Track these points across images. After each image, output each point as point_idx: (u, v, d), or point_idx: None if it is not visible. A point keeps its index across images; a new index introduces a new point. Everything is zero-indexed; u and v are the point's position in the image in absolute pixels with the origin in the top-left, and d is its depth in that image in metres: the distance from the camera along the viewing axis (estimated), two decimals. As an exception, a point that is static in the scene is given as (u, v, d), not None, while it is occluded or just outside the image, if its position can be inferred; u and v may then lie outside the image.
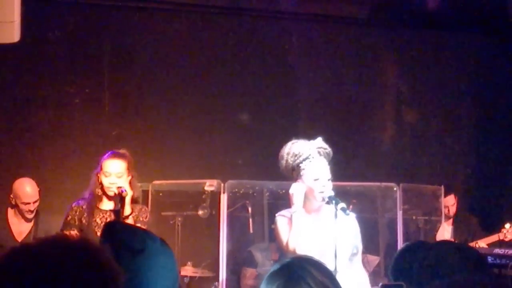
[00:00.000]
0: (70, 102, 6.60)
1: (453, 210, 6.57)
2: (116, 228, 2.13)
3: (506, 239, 6.17)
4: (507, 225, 6.19)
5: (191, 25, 7.09)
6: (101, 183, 4.26)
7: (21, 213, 5.30)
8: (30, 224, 5.35)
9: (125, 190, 4.16)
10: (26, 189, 5.25)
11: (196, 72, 7.05)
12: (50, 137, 6.51)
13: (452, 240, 6.31)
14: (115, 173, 4.23)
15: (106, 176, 4.23)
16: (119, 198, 4.18)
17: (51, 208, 5.81)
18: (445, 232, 6.51)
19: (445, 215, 6.50)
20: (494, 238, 6.24)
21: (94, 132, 6.57)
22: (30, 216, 5.30)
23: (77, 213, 4.28)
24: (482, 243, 6.18)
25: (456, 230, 6.57)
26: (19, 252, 1.40)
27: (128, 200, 4.18)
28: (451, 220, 6.62)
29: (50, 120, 6.56)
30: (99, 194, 4.29)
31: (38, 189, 5.33)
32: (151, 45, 6.89)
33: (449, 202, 6.53)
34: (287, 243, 3.90)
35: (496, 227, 6.32)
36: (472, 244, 6.08)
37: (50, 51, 6.58)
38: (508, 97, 7.78)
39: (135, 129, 6.78)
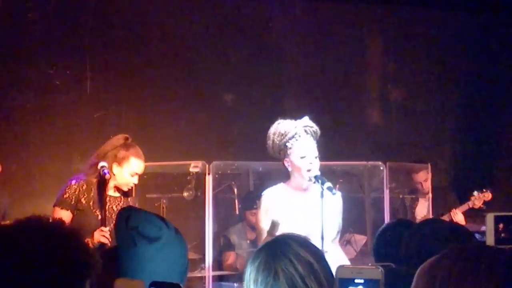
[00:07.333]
0: (51, 84, 6.49)
1: (426, 185, 6.36)
2: (131, 215, 2.09)
3: (475, 207, 6.20)
4: (475, 193, 6.22)
5: (174, 4, 6.99)
6: (114, 174, 4.16)
7: None
8: None
9: (108, 173, 4.07)
10: None
11: (179, 52, 6.96)
12: (31, 120, 6.41)
13: (430, 216, 6.27)
14: (140, 174, 4.25)
15: (130, 175, 4.19)
16: (102, 180, 4.08)
17: (34, 191, 5.74)
18: (423, 208, 6.45)
19: (420, 191, 6.43)
20: (465, 207, 6.26)
21: (76, 114, 6.48)
22: None
23: (77, 192, 4.11)
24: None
25: (433, 206, 6.50)
26: None
27: (111, 184, 4.16)
28: (428, 196, 6.53)
29: (31, 103, 6.45)
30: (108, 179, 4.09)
31: None
32: (132, 25, 6.79)
33: (421, 178, 6.36)
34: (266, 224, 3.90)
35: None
36: (443, 217, 6.10)
37: (29, 32, 6.45)
38: (495, 74, 7.76)
39: (117, 110, 6.70)
